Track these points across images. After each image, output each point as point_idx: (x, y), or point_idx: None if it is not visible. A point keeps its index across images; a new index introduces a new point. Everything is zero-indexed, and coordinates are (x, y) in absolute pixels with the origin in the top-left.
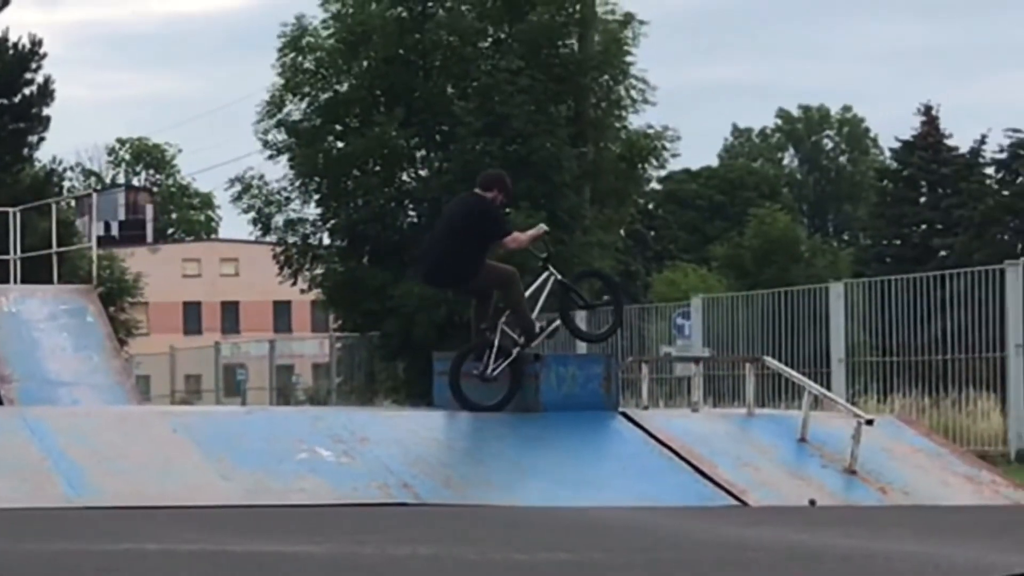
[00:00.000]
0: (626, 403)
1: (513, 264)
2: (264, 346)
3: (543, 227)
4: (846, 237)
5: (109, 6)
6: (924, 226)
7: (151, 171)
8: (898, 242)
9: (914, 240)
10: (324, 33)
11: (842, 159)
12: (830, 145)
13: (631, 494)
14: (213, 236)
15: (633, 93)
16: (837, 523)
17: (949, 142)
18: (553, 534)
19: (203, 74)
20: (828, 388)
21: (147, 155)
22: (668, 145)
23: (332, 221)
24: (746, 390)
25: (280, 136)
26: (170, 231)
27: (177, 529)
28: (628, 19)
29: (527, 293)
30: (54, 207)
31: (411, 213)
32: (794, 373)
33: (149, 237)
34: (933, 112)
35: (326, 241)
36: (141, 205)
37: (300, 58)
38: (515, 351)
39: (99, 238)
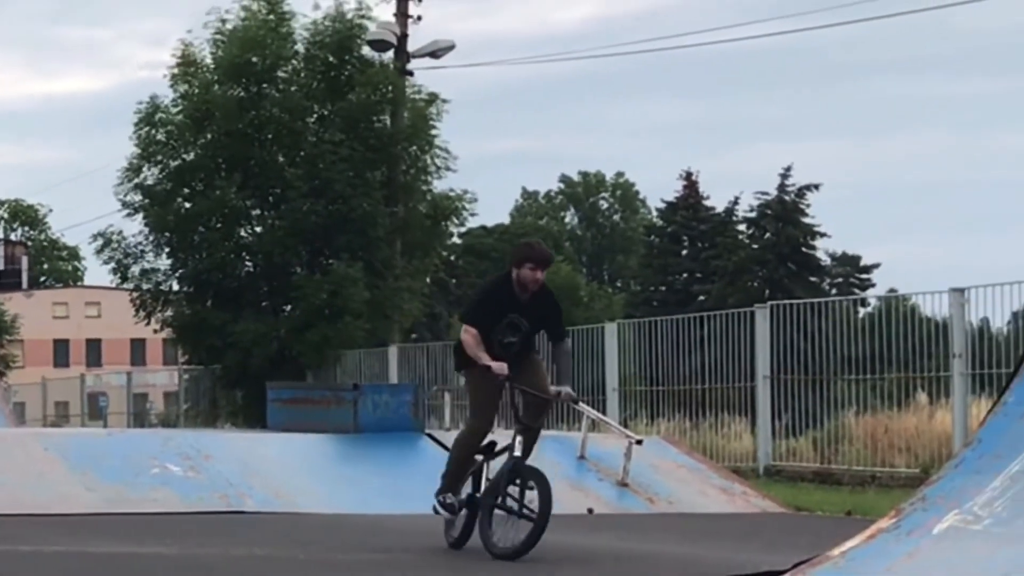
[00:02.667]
0: (431, 425)
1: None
2: (123, 377)
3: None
4: (619, 284)
5: None
6: (686, 275)
7: (26, 228)
8: (663, 288)
9: (677, 287)
10: (174, 110)
11: (615, 217)
12: (605, 205)
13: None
14: (79, 283)
15: (437, 161)
16: (612, 528)
17: (707, 203)
18: (369, 537)
19: (71, 144)
20: (604, 413)
21: (22, 214)
22: (467, 205)
23: (180, 270)
24: None
25: (137, 197)
26: (42, 279)
27: (48, 533)
28: (433, 98)
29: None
30: None
31: (248, 264)
32: None
33: (24, 284)
34: (693, 177)
35: (175, 287)
36: (17, 257)
37: (153, 131)
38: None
39: None
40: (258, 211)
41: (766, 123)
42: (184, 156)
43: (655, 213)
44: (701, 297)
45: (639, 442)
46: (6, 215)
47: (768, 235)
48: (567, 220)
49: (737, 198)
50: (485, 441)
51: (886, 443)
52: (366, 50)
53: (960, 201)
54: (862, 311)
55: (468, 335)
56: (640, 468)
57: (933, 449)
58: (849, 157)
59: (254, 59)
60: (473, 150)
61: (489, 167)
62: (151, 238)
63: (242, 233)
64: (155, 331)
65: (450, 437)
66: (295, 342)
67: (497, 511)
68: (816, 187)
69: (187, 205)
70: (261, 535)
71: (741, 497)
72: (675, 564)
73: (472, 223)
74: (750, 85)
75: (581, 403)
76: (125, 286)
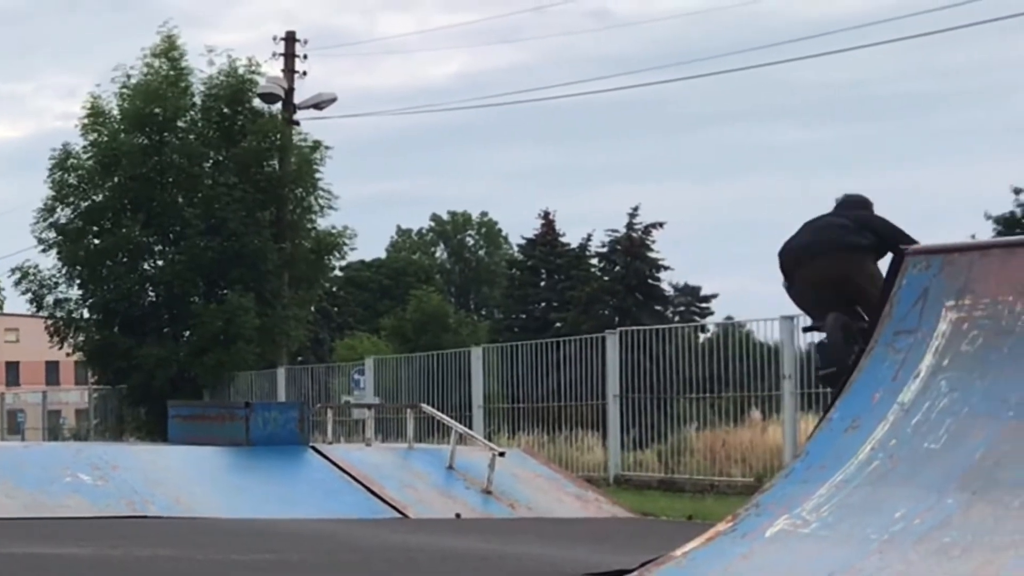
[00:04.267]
0: (315, 439)
1: None
2: (39, 395)
3: None
4: (484, 312)
5: None
6: (544, 304)
7: None
8: (524, 316)
9: (536, 315)
10: (84, 156)
11: (481, 252)
12: (472, 242)
13: (319, 509)
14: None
15: (321, 201)
16: (477, 531)
17: (563, 239)
18: (261, 539)
19: None
20: (470, 428)
21: None
22: (347, 241)
23: (90, 300)
24: (407, 429)
25: (51, 235)
26: None
27: None
28: (317, 145)
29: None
30: None
31: (151, 294)
32: (444, 416)
33: None
34: (551, 216)
35: (86, 315)
36: None
37: (66, 175)
38: None
39: None
40: (160, 247)
41: (616, 167)
42: (94, 197)
43: (516, 248)
44: (558, 324)
45: (502, 454)
46: None
47: (618, 268)
48: (437, 255)
49: (590, 235)
50: None
51: (724, 455)
52: (257, 102)
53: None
54: (702, 336)
55: None
56: (503, 477)
57: (766, 460)
58: (690, 198)
59: (156, 110)
60: (353, 192)
61: (367, 207)
62: (64, 271)
63: (146, 266)
64: (68, 354)
65: (332, 450)
66: (193, 364)
67: None
68: (661, 225)
69: (96, 241)
70: (164, 538)
71: (594, 503)
72: (535, 563)
73: (352, 257)
74: (603, 133)
75: (449, 419)
76: (41, 314)
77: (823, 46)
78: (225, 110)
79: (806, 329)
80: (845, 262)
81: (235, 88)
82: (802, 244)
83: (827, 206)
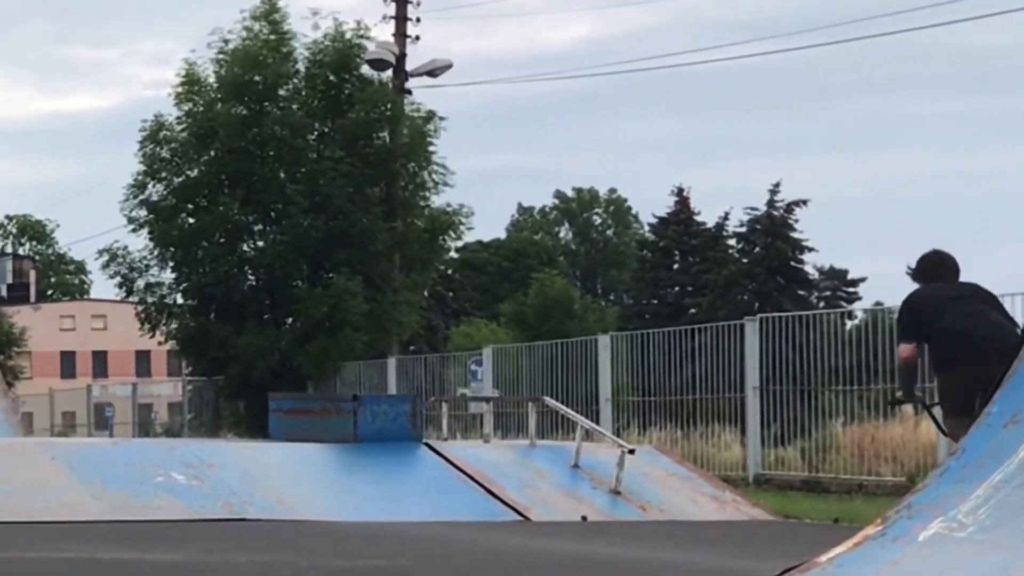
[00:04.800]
0: (429, 435)
1: None
2: (128, 388)
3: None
4: (612, 297)
5: (2, 106)
6: (677, 288)
7: (34, 242)
8: (655, 301)
9: (668, 300)
10: (178, 128)
11: (609, 232)
12: (599, 221)
13: (432, 510)
14: (86, 296)
15: (435, 176)
16: (605, 535)
17: (698, 218)
18: (368, 544)
19: (78, 161)
20: (597, 423)
21: (31, 229)
22: (464, 220)
23: (184, 284)
24: (529, 425)
25: (142, 213)
26: (50, 292)
27: (54, 540)
28: (430, 116)
29: None
30: None
31: (250, 277)
32: (569, 410)
33: (32, 298)
34: (684, 193)
35: (179, 301)
36: (25, 271)
37: (158, 149)
38: None
39: None
40: (260, 226)
41: (756, 140)
42: (188, 173)
43: (647, 228)
44: (692, 310)
45: (631, 451)
46: (14, 230)
47: (757, 249)
48: (561, 235)
49: (727, 213)
50: None
51: (872, 452)
52: (365, 69)
53: (943, 217)
54: (849, 324)
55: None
56: (632, 476)
57: (918, 458)
58: (836, 173)
59: (256, 78)
60: (470, 166)
61: (485, 183)
62: (156, 253)
63: (244, 248)
64: (160, 343)
65: (447, 447)
66: (296, 354)
67: None
68: (804, 203)
69: (191, 220)
70: (263, 542)
71: (731, 505)
72: (668, 570)
73: (469, 237)
74: (741, 102)
75: (574, 413)
76: (130, 299)
77: (980, 7)
78: (331, 78)
79: (896, 402)
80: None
81: (342, 54)
82: (982, 336)
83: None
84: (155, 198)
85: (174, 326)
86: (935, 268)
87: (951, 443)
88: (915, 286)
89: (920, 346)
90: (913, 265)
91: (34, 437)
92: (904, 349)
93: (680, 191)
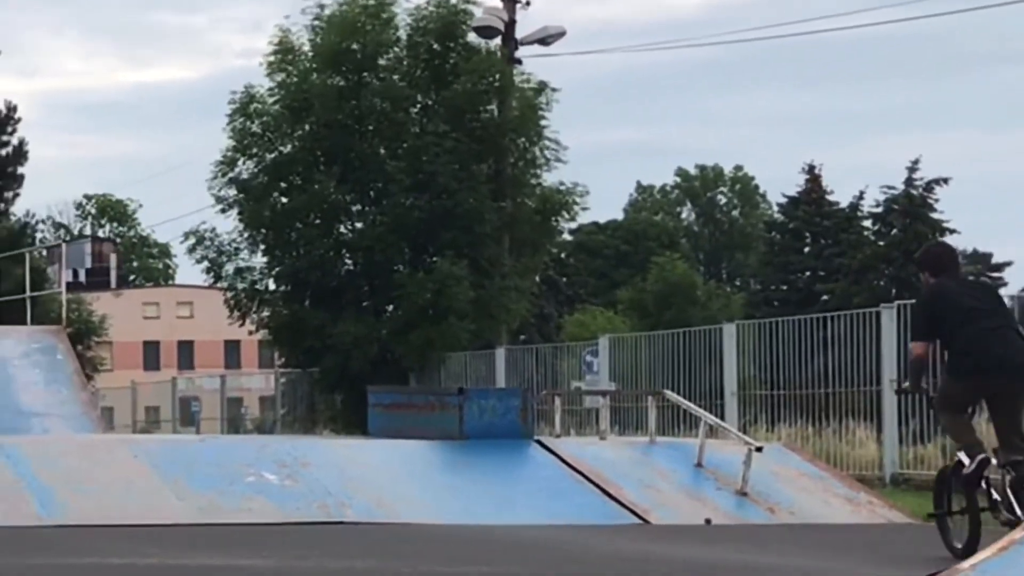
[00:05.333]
0: (540, 432)
1: None
2: (216, 381)
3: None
4: (738, 283)
5: (80, 76)
6: (808, 273)
7: (115, 224)
8: (784, 287)
9: (799, 285)
10: (270, 100)
11: (734, 213)
12: (723, 200)
13: (544, 513)
14: (170, 282)
15: (547, 153)
16: (730, 540)
17: (830, 198)
18: (474, 548)
19: (162, 137)
20: (722, 418)
21: (111, 209)
22: (578, 200)
23: (277, 269)
24: (648, 420)
25: (231, 192)
26: (132, 278)
27: (137, 545)
28: (542, 87)
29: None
30: (27, 256)
31: (347, 261)
32: (691, 405)
33: (113, 283)
34: (816, 171)
35: (271, 287)
36: (106, 254)
37: (249, 123)
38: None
39: (68, 284)
40: (358, 206)
41: (893, 113)
42: (281, 148)
43: (776, 208)
44: (824, 297)
45: (759, 449)
46: (94, 211)
47: (895, 231)
48: (683, 216)
49: (862, 192)
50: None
51: None
52: (472, 37)
53: None
54: None
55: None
56: (760, 476)
57: None
58: (980, 149)
59: (354, 46)
60: (585, 142)
61: (601, 160)
62: (246, 235)
63: (342, 229)
64: (250, 332)
65: (560, 444)
66: (397, 344)
67: None
68: (945, 181)
69: (284, 200)
70: (362, 547)
71: (866, 507)
72: None
73: (583, 219)
74: (877, 73)
75: (697, 408)
76: (218, 285)
77: None
78: (435, 46)
79: (901, 392)
80: None
81: (447, 20)
82: (1000, 355)
83: None
84: (245, 176)
85: (266, 314)
86: (944, 260)
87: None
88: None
89: (932, 344)
90: (919, 256)
91: (115, 434)
92: (917, 347)
93: (811, 168)
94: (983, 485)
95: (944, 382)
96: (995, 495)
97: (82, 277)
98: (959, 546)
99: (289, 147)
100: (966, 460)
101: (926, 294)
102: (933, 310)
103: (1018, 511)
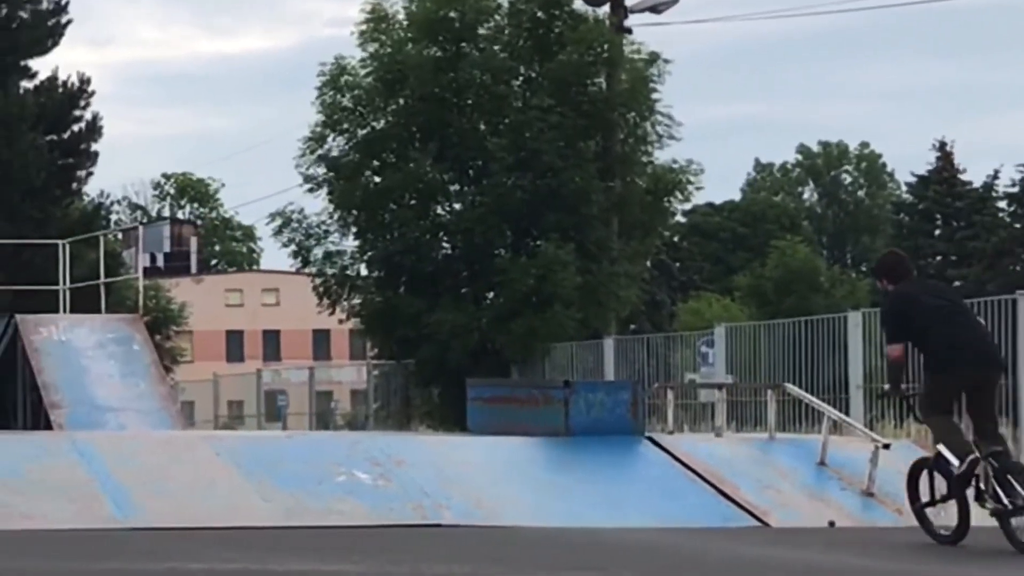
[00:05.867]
0: (652, 428)
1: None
2: (304, 373)
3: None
4: (864, 268)
5: (157, 46)
6: (939, 257)
7: (195, 205)
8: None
9: (929, 271)
10: (362, 72)
11: (860, 193)
12: (848, 179)
13: (656, 515)
14: (255, 267)
15: (659, 129)
16: (855, 543)
17: (963, 177)
18: (581, 553)
19: (246, 111)
20: (847, 414)
21: (191, 189)
22: (692, 179)
23: (369, 253)
24: (768, 415)
25: (320, 171)
26: (213, 262)
27: (219, 549)
28: (653, 58)
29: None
30: (102, 239)
31: (445, 245)
32: (814, 399)
33: (193, 268)
34: (948, 148)
35: (363, 272)
36: (185, 237)
37: (339, 96)
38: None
39: (145, 269)
40: (456, 186)
41: None
42: (373, 124)
43: (904, 188)
44: (957, 282)
45: (886, 446)
46: (173, 191)
47: None
48: (805, 196)
49: (997, 171)
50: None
51: None
52: (578, 4)
53: None
54: None
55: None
56: (888, 475)
57: None
58: None
59: (452, 14)
60: (699, 117)
61: (717, 136)
62: (336, 216)
63: (439, 211)
64: (340, 321)
65: (673, 441)
66: (498, 333)
67: None
68: None
69: (376, 179)
70: (460, 551)
71: None
72: None
73: (698, 199)
74: (1012, 43)
75: (820, 402)
76: (307, 270)
77: None
78: (539, 14)
79: (883, 395)
80: None
81: None
82: (969, 341)
83: None
84: (335, 153)
85: (357, 301)
86: (899, 267)
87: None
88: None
89: (907, 346)
90: (876, 267)
91: (195, 430)
92: (894, 349)
93: (942, 145)
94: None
95: (927, 382)
96: (980, 485)
97: (160, 262)
98: (946, 533)
99: (382, 122)
100: (953, 459)
101: (890, 300)
102: (900, 314)
103: (1004, 499)
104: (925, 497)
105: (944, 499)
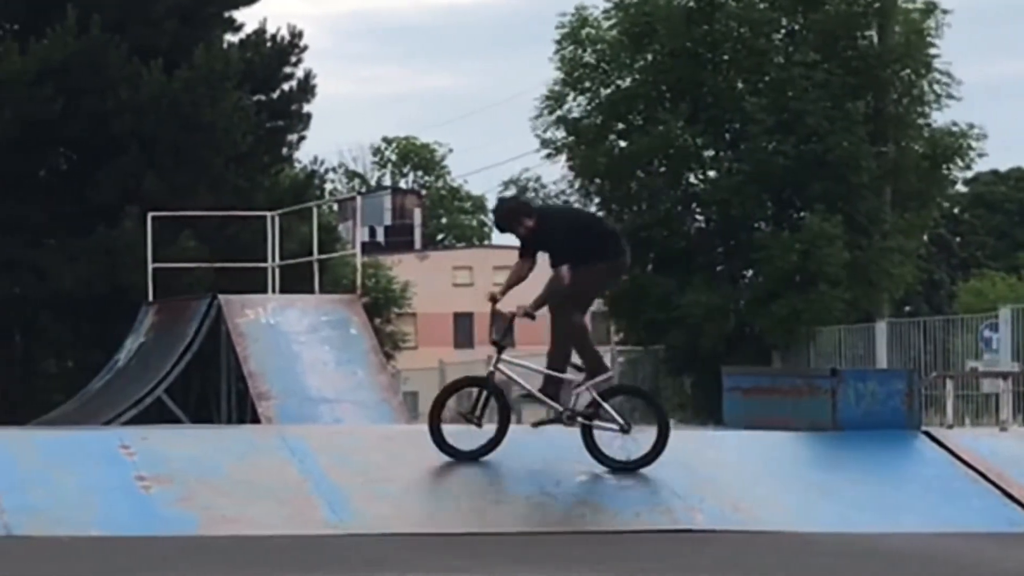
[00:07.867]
0: (929, 421)
1: None
2: (540, 360)
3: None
4: None
5: None
6: None
7: (419, 173)
8: None
9: None
10: (606, 25)
11: None
12: None
13: (934, 519)
14: (486, 242)
15: (937, 88)
16: None
17: None
18: (852, 562)
19: (477, 69)
20: None
21: (415, 155)
22: (974, 144)
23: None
24: None
25: (559, 134)
26: (440, 237)
27: (446, 557)
28: (931, 8)
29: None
30: (315, 211)
31: (698, 217)
32: None
33: (417, 243)
34: None
35: None
36: (409, 209)
37: (580, 51)
38: None
39: (364, 244)
40: (711, 152)
41: None
42: (618, 82)
43: None
44: None
45: None
46: (394, 157)
47: None
48: None
49: None
50: None
51: None
52: None
53: None
54: None
55: None
56: None
57: None
58: None
59: None
60: (983, 74)
61: (1003, 96)
62: (577, 185)
63: (691, 179)
64: None
65: (953, 437)
66: (757, 316)
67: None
68: None
69: (622, 144)
70: (714, 559)
71: None
72: None
73: (981, 166)
74: None
75: None
76: None
77: None
78: None
79: None
80: None
81: None
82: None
83: None
84: (576, 115)
85: None
86: None
87: None
88: None
89: None
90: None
91: (420, 424)
92: None
93: None
94: None
95: None
96: None
97: (380, 236)
98: None
99: (628, 80)
100: None
101: None
102: None
103: None
104: None
105: None
